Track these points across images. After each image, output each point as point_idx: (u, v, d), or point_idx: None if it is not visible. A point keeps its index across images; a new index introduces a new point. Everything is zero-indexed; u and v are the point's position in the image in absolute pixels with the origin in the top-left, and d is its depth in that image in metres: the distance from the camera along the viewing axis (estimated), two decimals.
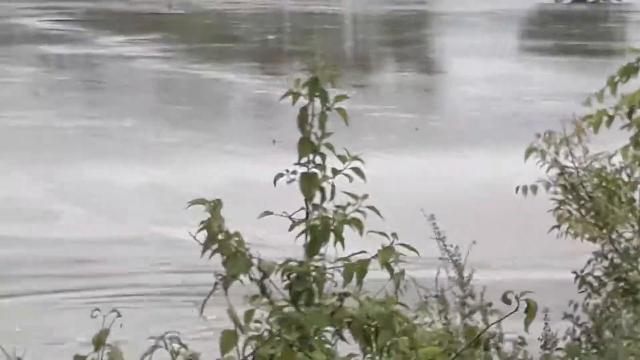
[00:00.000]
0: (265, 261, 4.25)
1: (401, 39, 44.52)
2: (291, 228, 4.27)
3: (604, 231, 5.49)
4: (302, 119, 4.26)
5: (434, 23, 64.28)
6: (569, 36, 46.09)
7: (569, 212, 5.56)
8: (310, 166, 4.28)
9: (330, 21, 62.38)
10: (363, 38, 46.13)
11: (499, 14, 71.38)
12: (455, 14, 70.47)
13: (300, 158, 4.28)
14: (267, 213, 4.37)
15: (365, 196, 4.22)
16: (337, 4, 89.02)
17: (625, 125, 5.97)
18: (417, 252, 4.16)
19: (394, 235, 4.15)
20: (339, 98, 4.27)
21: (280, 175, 4.27)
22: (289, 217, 4.29)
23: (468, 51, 36.39)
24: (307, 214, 4.29)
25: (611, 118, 6.13)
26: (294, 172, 4.28)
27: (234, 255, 4.09)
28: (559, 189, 5.52)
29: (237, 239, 4.14)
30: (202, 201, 4.14)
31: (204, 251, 4.13)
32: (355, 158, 4.29)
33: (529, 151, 5.66)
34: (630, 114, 6.14)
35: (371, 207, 4.22)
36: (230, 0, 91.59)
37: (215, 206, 4.11)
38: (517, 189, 5.43)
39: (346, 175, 4.27)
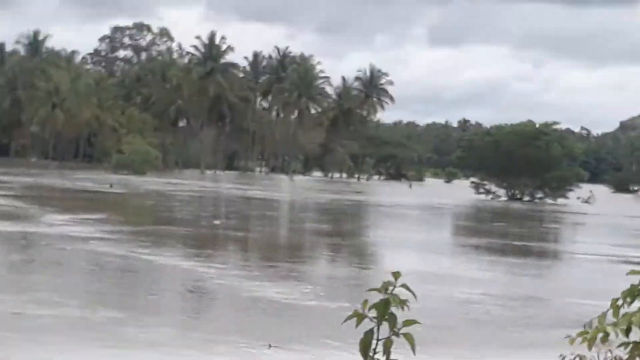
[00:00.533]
0: None
1: (336, 230, 44.52)
2: None
3: None
4: (367, 344, 3.92)
5: (370, 214, 64.63)
6: (504, 235, 46.65)
7: None
8: None
9: (269, 207, 62.56)
10: (300, 227, 46.13)
11: (436, 209, 72.65)
12: (393, 205, 71.49)
13: None
14: None
15: None
16: (278, 191, 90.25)
17: (622, 344, 5.58)
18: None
19: None
20: (408, 322, 3.89)
21: None
22: None
23: (403, 245, 36.58)
24: None
25: (607, 335, 5.70)
26: None
27: None
28: None
29: None
30: None
31: None
32: None
33: None
34: (627, 332, 5.76)
35: None
36: (169, 181, 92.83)
37: None
38: None
39: None
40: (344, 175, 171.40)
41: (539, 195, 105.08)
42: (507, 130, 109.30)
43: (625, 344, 5.32)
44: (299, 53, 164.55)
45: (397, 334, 3.86)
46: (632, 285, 5.79)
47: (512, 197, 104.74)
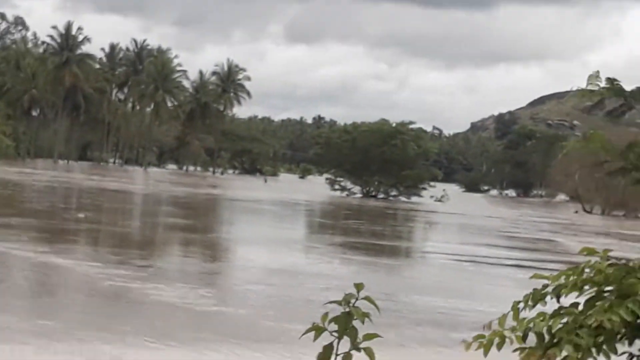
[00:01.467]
0: None
1: (192, 225, 44.36)
2: None
3: None
4: (326, 359, 3.80)
5: (226, 208, 64.53)
6: (358, 232, 47.14)
7: None
8: None
9: (127, 200, 61.94)
10: (155, 221, 45.82)
11: (292, 204, 72.93)
12: (249, 200, 71.47)
13: None
14: None
15: None
16: (133, 183, 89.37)
17: (517, 349, 5.70)
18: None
19: None
20: (368, 336, 3.82)
21: None
22: None
23: (257, 241, 36.65)
24: None
25: (503, 340, 5.83)
26: None
27: None
28: None
29: None
30: None
31: None
32: None
33: None
34: (524, 338, 5.91)
35: None
36: (22, 171, 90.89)
37: None
38: None
39: None
40: (199, 168, 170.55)
41: (394, 193, 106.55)
42: (364, 128, 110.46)
43: (521, 349, 5.45)
44: (156, 46, 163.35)
45: (357, 349, 3.78)
46: (534, 290, 5.98)
47: (367, 194, 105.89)
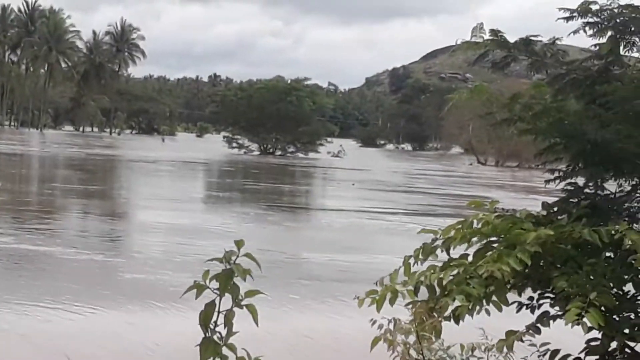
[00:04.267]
0: None
1: (89, 187, 43.95)
2: None
3: None
4: (208, 317, 3.82)
5: (123, 169, 63.94)
6: (256, 191, 47.24)
7: None
8: None
9: (19, 162, 61.01)
10: (51, 185, 45.30)
11: (190, 163, 72.59)
12: (147, 160, 70.95)
13: (202, 359, 3.85)
14: None
15: None
16: (27, 145, 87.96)
17: (409, 302, 5.86)
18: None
19: None
20: (250, 293, 3.86)
21: None
22: None
23: (154, 201, 36.56)
24: None
25: (395, 295, 6.00)
26: None
27: None
28: None
29: None
30: None
31: None
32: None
33: (375, 340, 5.39)
34: (415, 292, 6.08)
35: None
36: None
37: None
38: None
39: None
40: (96, 129, 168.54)
41: (291, 149, 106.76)
42: (259, 85, 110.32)
43: (413, 303, 5.57)
44: (49, 7, 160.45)
45: (240, 306, 3.82)
46: (424, 244, 6.10)
47: (264, 151, 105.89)
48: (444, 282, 5.85)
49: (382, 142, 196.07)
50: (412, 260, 6.21)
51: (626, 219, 6.26)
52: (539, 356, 5.83)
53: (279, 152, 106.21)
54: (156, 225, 27.24)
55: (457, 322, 5.57)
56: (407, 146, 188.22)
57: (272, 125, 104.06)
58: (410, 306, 5.87)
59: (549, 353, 5.97)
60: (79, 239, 23.58)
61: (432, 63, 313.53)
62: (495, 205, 6.33)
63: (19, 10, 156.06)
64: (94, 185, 43.87)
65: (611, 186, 6.57)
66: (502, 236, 5.96)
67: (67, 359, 10.71)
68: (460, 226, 6.21)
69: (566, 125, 6.48)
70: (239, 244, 3.82)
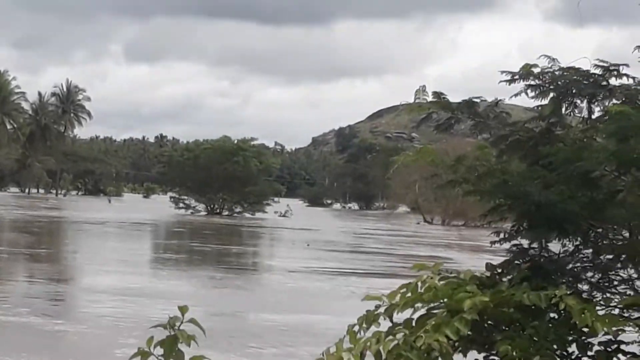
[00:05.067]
0: None
1: (35, 251, 43.57)
2: None
3: None
4: None
5: (70, 231, 63.42)
6: (203, 252, 47.05)
7: None
8: None
9: None
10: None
11: (137, 224, 72.19)
12: (93, 222, 70.52)
13: None
14: None
15: None
16: None
17: None
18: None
19: None
20: (196, 359, 3.82)
21: None
22: None
23: (104, 262, 36.33)
24: None
25: None
26: None
27: None
28: None
29: None
30: None
31: None
32: None
33: None
34: (361, 358, 6.09)
35: None
36: None
37: None
38: None
39: None
40: (42, 190, 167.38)
41: (238, 209, 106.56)
42: (205, 146, 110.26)
43: None
44: None
45: None
46: (367, 312, 6.08)
47: (211, 212, 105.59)
48: (384, 355, 5.85)
49: (329, 201, 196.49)
50: (356, 328, 6.22)
51: (570, 278, 6.31)
52: None
53: (225, 212, 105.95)
54: (103, 289, 27.01)
55: None
56: (354, 205, 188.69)
57: (219, 185, 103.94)
58: None
59: None
60: (25, 302, 23.31)
61: (378, 122, 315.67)
62: (439, 268, 6.36)
63: None
64: (41, 248, 43.45)
65: (555, 246, 6.62)
66: (445, 300, 5.98)
67: None
68: (404, 289, 6.22)
69: (510, 186, 6.55)
70: (183, 309, 3.78)
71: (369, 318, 6.25)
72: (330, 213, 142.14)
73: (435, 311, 5.97)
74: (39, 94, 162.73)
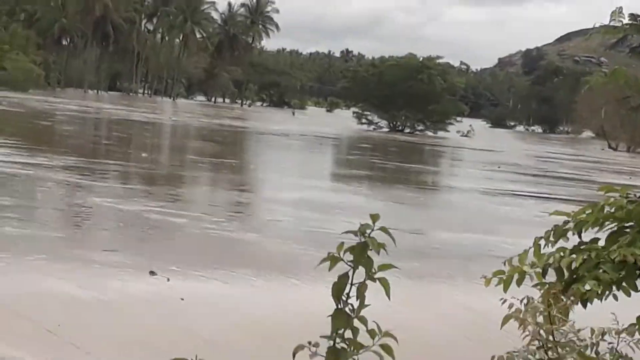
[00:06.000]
0: None
1: (222, 159, 44.48)
2: None
3: None
4: (341, 289, 3.86)
5: (255, 141, 64.50)
6: (384, 168, 47.10)
7: None
8: (338, 341, 3.91)
9: (155, 131, 62.19)
10: (185, 155, 46.08)
11: (320, 137, 72.78)
12: (278, 134, 71.42)
13: (332, 331, 3.90)
14: None
15: None
16: (161, 113, 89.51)
17: (536, 284, 5.75)
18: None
19: None
20: (383, 267, 3.90)
21: (301, 347, 3.87)
22: None
23: (286, 174, 36.73)
24: None
25: (522, 276, 5.91)
26: (317, 345, 3.89)
27: None
28: None
29: None
30: None
31: None
32: (387, 334, 3.94)
33: (507, 318, 5.36)
34: (544, 274, 5.98)
35: None
36: (59, 100, 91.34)
37: None
38: (493, 358, 5.06)
39: (376, 352, 3.93)
40: (227, 100, 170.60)
41: (420, 127, 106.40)
42: (391, 62, 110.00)
43: (541, 285, 5.52)
44: None
45: (373, 279, 3.76)
46: (555, 226, 6.05)
47: (393, 129, 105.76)
48: (575, 265, 5.79)
49: (512, 123, 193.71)
50: (542, 242, 6.14)
51: None
52: None
53: (407, 130, 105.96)
54: (285, 200, 27.47)
55: (584, 306, 5.53)
56: (538, 128, 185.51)
57: (402, 102, 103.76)
58: (538, 288, 5.81)
59: None
60: (212, 210, 23.97)
61: (566, 46, 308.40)
62: (628, 191, 6.25)
63: None
64: (228, 159, 44.36)
65: None
66: (635, 221, 5.88)
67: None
68: (591, 210, 6.13)
69: None
70: (374, 217, 3.82)
71: (558, 232, 6.16)
72: (513, 135, 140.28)
73: (626, 231, 5.88)
74: (229, 4, 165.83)
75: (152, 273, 14.09)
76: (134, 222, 20.00)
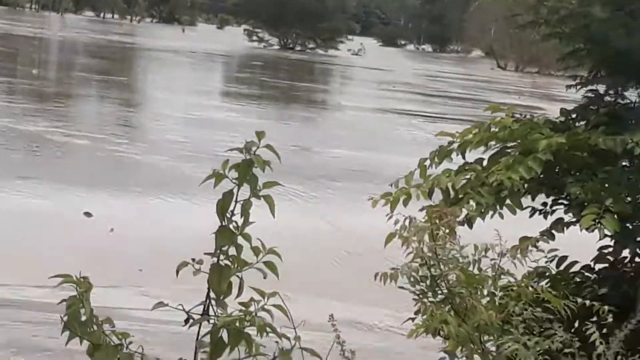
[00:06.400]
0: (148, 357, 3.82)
1: (110, 76, 43.88)
2: (188, 324, 3.82)
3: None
4: (225, 206, 3.83)
5: (143, 58, 63.71)
6: (275, 86, 47.04)
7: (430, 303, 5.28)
8: (222, 258, 3.88)
9: (40, 47, 60.90)
10: (71, 71, 45.23)
11: (210, 55, 72.30)
12: (167, 50, 70.68)
13: (216, 248, 3.86)
14: (161, 304, 3.91)
15: (274, 294, 3.84)
16: (48, 29, 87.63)
17: (424, 207, 5.79)
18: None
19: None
20: (269, 184, 3.87)
21: (185, 264, 3.83)
22: (186, 312, 3.86)
23: (174, 92, 36.46)
24: (207, 309, 3.88)
25: (409, 197, 5.98)
26: (200, 262, 3.86)
27: (102, 347, 3.66)
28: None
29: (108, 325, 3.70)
30: (68, 278, 3.64)
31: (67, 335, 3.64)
32: (272, 251, 3.92)
33: (390, 237, 5.36)
34: (430, 195, 6.05)
35: (277, 306, 3.84)
36: None
37: (83, 287, 3.62)
38: (376, 275, 5.07)
39: (259, 269, 3.91)
40: (116, 16, 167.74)
41: (311, 45, 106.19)
42: None
43: (428, 207, 5.54)
44: None
45: (257, 196, 3.79)
46: (440, 147, 6.07)
47: (284, 46, 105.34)
48: (457, 187, 5.84)
49: (403, 42, 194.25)
50: (427, 163, 6.17)
51: None
52: (546, 262, 5.86)
53: (298, 48, 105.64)
54: (171, 116, 27.30)
55: (470, 226, 5.60)
56: (428, 47, 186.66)
57: (293, 19, 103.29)
58: (424, 209, 5.83)
59: (556, 259, 6.00)
60: (98, 127, 23.69)
61: None
62: (513, 111, 6.30)
63: None
64: (118, 76, 43.72)
65: (632, 95, 6.53)
66: (519, 141, 5.94)
67: None
68: (477, 130, 6.17)
69: (592, 31, 6.42)
70: (260, 135, 3.79)
71: (442, 153, 6.20)
72: (403, 54, 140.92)
73: (508, 151, 5.93)
74: None
75: (87, 214, 13.83)
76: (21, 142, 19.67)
